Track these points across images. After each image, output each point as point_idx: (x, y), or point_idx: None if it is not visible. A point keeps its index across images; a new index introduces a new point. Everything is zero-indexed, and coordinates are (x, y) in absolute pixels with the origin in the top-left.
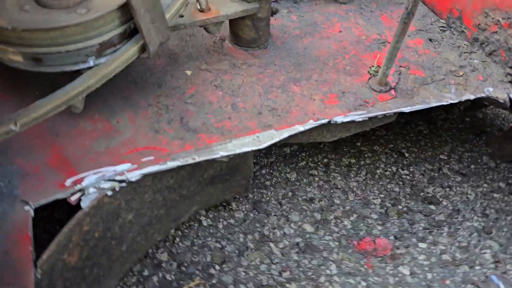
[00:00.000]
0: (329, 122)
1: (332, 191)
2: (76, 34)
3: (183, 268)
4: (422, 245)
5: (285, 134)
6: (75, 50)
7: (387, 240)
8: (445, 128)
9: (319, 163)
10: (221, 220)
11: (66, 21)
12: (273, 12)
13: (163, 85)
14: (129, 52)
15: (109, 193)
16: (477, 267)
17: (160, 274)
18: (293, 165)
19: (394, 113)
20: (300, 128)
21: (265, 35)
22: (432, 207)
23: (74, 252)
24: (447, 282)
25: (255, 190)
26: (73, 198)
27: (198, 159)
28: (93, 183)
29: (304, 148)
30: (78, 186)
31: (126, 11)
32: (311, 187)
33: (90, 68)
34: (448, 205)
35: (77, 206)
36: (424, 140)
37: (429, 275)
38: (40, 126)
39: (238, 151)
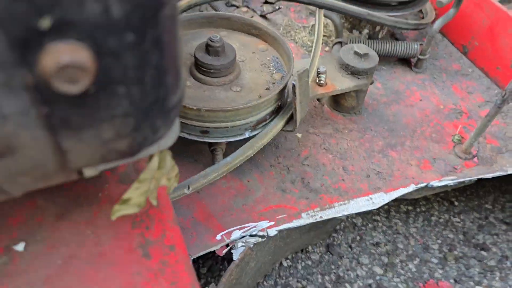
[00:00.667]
0: (426, 185)
1: (395, 236)
2: (245, 114)
3: None
4: None
5: (393, 196)
6: (238, 126)
7: (448, 283)
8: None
9: (381, 209)
10: (299, 261)
11: (233, 100)
12: (371, 83)
13: (279, 146)
14: (277, 126)
15: (251, 245)
16: None
17: None
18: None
19: (478, 179)
20: (405, 191)
21: (362, 103)
22: (483, 253)
23: None
24: None
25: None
26: (223, 251)
27: (324, 217)
28: (239, 238)
29: None
30: (227, 240)
31: (280, 94)
32: (376, 231)
33: (245, 139)
34: (497, 252)
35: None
36: (470, 190)
37: None
38: None
39: (356, 211)
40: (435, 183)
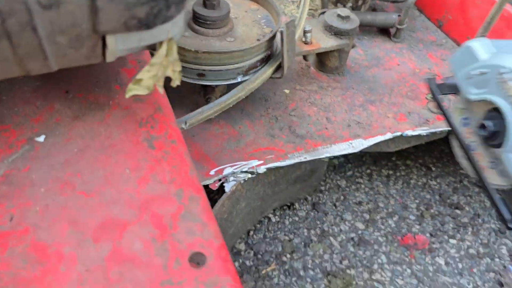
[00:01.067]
0: (401, 134)
1: (376, 196)
2: (237, 57)
3: (260, 256)
4: (452, 241)
5: (371, 142)
6: (231, 69)
7: (424, 237)
8: None
9: (363, 173)
10: (287, 217)
11: (227, 48)
12: (353, 46)
13: (268, 100)
14: (267, 72)
15: (242, 181)
16: (497, 259)
17: (240, 260)
18: (342, 174)
19: (448, 130)
20: (382, 138)
21: (344, 64)
22: (458, 211)
23: None
24: (474, 270)
25: (313, 193)
26: (216, 185)
27: (309, 158)
28: (231, 174)
29: (349, 160)
30: (220, 175)
31: (269, 43)
32: (358, 192)
33: (237, 83)
34: (470, 210)
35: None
36: (446, 158)
37: (460, 265)
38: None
39: (338, 153)
40: (410, 132)
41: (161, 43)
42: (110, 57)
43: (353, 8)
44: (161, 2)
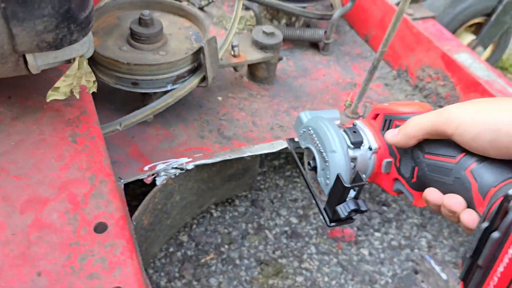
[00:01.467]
0: None
1: (310, 194)
2: (166, 69)
3: (200, 247)
4: (377, 234)
5: None
6: (161, 79)
7: (352, 230)
8: None
9: (300, 173)
10: (227, 212)
11: (158, 60)
12: (279, 59)
13: (203, 106)
14: (194, 82)
15: (172, 176)
16: (416, 250)
17: (183, 251)
18: (281, 174)
19: None
20: None
21: (273, 75)
22: (384, 208)
23: (147, 216)
24: (395, 259)
25: (252, 191)
26: (149, 179)
27: (232, 156)
28: (163, 169)
29: (289, 162)
30: (153, 171)
31: (195, 56)
32: (295, 190)
33: (167, 91)
34: (396, 207)
35: (149, 185)
36: None
37: (382, 255)
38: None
39: (259, 152)
40: None
41: (74, 59)
42: (33, 70)
43: (287, 25)
44: (64, 30)
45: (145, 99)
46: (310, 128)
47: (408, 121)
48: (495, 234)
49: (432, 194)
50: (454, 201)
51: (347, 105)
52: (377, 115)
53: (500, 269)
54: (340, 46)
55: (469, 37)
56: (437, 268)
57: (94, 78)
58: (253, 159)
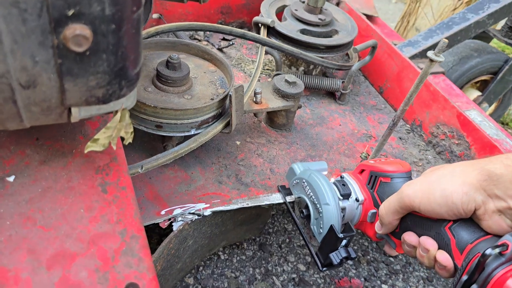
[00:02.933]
0: None
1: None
2: (191, 114)
3: None
4: (384, 286)
5: None
6: (186, 123)
7: (359, 281)
8: None
9: (292, 219)
10: (235, 255)
11: (184, 104)
12: (299, 107)
13: (221, 149)
14: (217, 128)
15: (189, 222)
16: None
17: None
18: (289, 218)
19: None
20: None
21: (291, 122)
22: (391, 259)
23: (160, 262)
24: None
25: (261, 235)
26: (166, 223)
27: (250, 204)
28: (180, 214)
29: None
30: (170, 215)
31: (221, 103)
32: None
33: (191, 136)
34: (402, 259)
35: (162, 229)
36: None
37: None
38: None
39: (276, 202)
40: None
41: (116, 111)
42: (74, 120)
43: (305, 72)
44: (115, 86)
45: (165, 140)
46: (304, 180)
47: (380, 211)
48: (474, 287)
49: (410, 236)
50: (429, 242)
51: (363, 157)
52: (362, 170)
53: None
54: (355, 97)
55: (474, 93)
56: None
57: (132, 129)
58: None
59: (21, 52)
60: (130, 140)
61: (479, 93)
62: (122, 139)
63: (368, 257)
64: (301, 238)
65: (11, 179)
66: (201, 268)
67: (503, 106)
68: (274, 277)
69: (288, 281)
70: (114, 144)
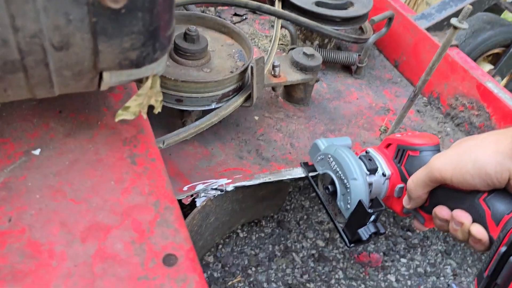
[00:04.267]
0: None
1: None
2: (212, 87)
3: (227, 268)
4: (403, 260)
5: None
6: (206, 97)
7: (378, 255)
8: None
9: (317, 196)
10: (254, 233)
11: (204, 78)
12: (317, 81)
13: (239, 125)
14: (238, 101)
15: (212, 197)
16: (442, 278)
17: (209, 272)
18: (306, 195)
19: None
20: None
21: (309, 96)
22: (409, 233)
23: None
24: (422, 287)
25: (279, 212)
26: (188, 199)
27: (272, 179)
28: (202, 190)
29: None
30: (192, 191)
31: (241, 75)
32: (320, 212)
33: (211, 109)
34: (420, 233)
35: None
36: None
37: (409, 282)
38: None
39: (298, 176)
40: None
41: (147, 77)
42: (104, 87)
43: (319, 46)
44: (149, 48)
45: (183, 115)
46: (329, 156)
47: (408, 186)
48: None
49: (442, 210)
50: (463, 215)
51: (382, 130)
52: (389, 144)
53: None
54: (371, 70)
55: (487, 67)
56: None
57: (161, 98)
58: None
59: (55, 9)
60: (159, 109)
61: (491, 67)
62: (151, 108)
63: (386, 232)
64: (322, 214)
65: (37, 152)
66: (220, 246)
67: None
68: (293, 254)
69: (308, 257)
70: (144, 113)
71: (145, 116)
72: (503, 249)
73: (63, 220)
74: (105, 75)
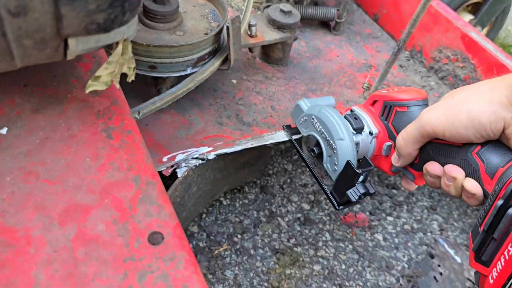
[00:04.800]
0: None
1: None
2: (187, 51)
3: (212, 237)
4: (389, 218)
5: None
6: (181, 62)
7: (364, 215)
8: None
9: (302, 159)
10: (237, 200)
11: (177, 41)
12: (295, 39)
13: (217, 89)
14: (215, 64)
15: (193, 167)
16: (428, 234)
17: (194, 242)
18: (289, 158)
19: None
20: None
21: (288, 55)
22: (394, 191)
23: None
24: (409, 244)
25: (262, 178)
26: (169, 170)
27: (255, 144)
28: (183, 160)
29: None
30: (172, 162)
31: (216, 37)
32: (304, 175)
33: (187, 75)
34: (405, 190)
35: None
36: None
37: (396, 240)
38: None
39: (281, 140)
40: None
41: (117, 43)
42: (70, 56)
43: (295, 2)
44: (117, 9)
45: (158, 83)
46: (313, 117)
47: (397, 143)
48: (511, 211)
49: (433, 166)
50: (455, 169)
51: (365, 87)
52: (374, 101)
53: None
54: (350, 26)
55: (467, 17)
56: (451, 252)
57: (134, 65)
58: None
59: None
60: (133, 77)
61: (472, 17)
62: (124, 76)
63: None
64: (306, 177)
65: (3, 131)
66: (204, 215)
67: (495, 29)
68: (279, 218)
69: (294, 221)
70: (117, 82)
71: (117, 85)
72: (499, 202)
73: (39, 203)
74: (71, 42)
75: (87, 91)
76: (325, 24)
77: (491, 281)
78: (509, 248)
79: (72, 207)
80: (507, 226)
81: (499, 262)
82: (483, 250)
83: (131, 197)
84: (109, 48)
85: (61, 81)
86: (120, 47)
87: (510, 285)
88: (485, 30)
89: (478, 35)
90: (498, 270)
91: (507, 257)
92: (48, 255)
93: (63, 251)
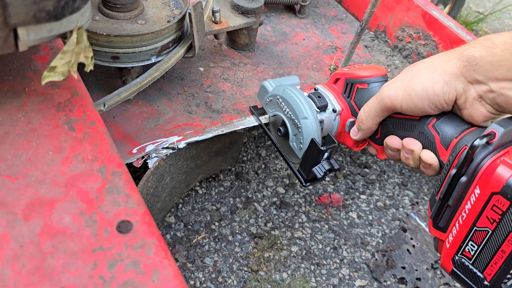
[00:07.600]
0: None
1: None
2: (150, 39)
3: (190, 227)
4: (363, 196)
5: None
6: (145, 51)
7: (339, 195)
8: None
9: (269, 139)
10: (213, 188)
11: (139, 30)
12: (260, 24)
13: (184, 78)
14: (179, 52)
15: (164, 157)
16: (401, 209)
17: (172, 233)
18: (262, 144)
19: None
20: None
21: (254, 41)
22: (366, 170)
23: None
24: (382, 220)
25: (236, 164)
26: (140, 162)
27: (225, 131)
28: (153, 150)
29: None
30: (142, 153)
31: (179, 24)
32: (278, 160)
33: (152, 64)
34: (377, 168)
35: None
36: None
37: (370, 217)
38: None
39: (251, 125)
40: None
41: (71, 31)
42: (22, 47)
43: None
44: None
45: (123, 74)
46: (278, 97)
47: (359, 117)
48: (463, 179)
49: (392, 140)
50: (412, 142)
51: (332, 69)
52: (337, 79)
53: (468, 206)
54: (315, 9)
55: None
56: (423, 224)
57: (92, 54)
58: (238, 131)
59: None
60: (92, 67)
61: None
62: (83, 66)
63: (344, 171)
64: (280, 162)
65: None
66: (180, 205)
67: (456, 7)
68: (255, 204)
69: (270, 205)
70: (74, 72)
71: (75, 75)
72: (453, 171)
73: (1, 200)
74: (21, 31)
75: (43, 83)
76: (290, 8)
77: (448, 245)
78: (462, 214)
79: (37, 202)
80: (460, 193)
81: (454, 228)
82: (440, 217)
83: (97, 187)
84: (64, 38)
85: (17, 75)
86: (74, 35)
87: (464, 248)
88: (447, 8)
89: (439, 13)
90: (454, 235)
91: (461, 222)
92: (14, 250)
93: (30, 245)
